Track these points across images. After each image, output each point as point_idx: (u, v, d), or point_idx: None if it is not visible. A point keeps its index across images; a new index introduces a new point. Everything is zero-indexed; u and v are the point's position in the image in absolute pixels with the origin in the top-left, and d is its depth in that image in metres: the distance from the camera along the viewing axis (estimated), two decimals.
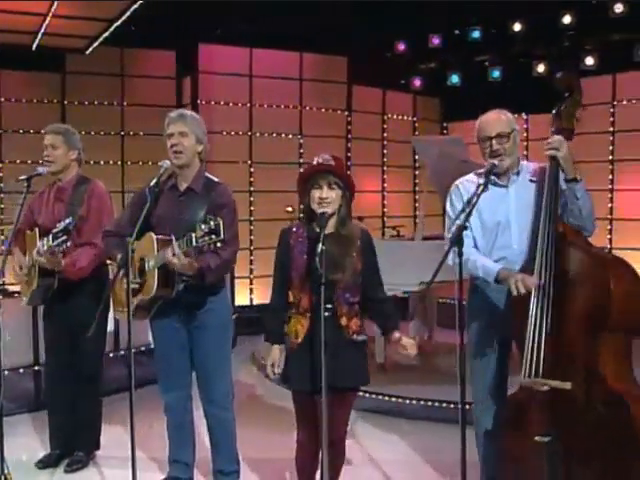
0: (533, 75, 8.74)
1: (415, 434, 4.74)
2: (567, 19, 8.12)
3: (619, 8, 7.68)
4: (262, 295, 8.77)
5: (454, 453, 4.20)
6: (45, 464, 4.11)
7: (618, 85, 8.20)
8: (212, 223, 3.03)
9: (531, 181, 3.26)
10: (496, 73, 9.22)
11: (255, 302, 8.73)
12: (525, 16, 8.33)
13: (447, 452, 4.30)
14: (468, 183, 3.34)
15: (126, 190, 7.98)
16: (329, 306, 2.97)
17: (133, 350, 6.09)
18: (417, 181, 10.39)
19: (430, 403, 5.01)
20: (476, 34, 8.92)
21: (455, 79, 9.56)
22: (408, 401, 5.08)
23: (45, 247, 3.67)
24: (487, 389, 3.27)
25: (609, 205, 8.46)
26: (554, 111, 3.22)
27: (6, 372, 3.71)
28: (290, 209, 8.50)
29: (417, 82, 9.91)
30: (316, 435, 3.11)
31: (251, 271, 8.72)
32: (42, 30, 6.60)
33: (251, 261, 8.67)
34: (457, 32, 9.07)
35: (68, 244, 3.39)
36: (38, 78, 7.94)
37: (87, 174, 4.18)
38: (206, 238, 3.04)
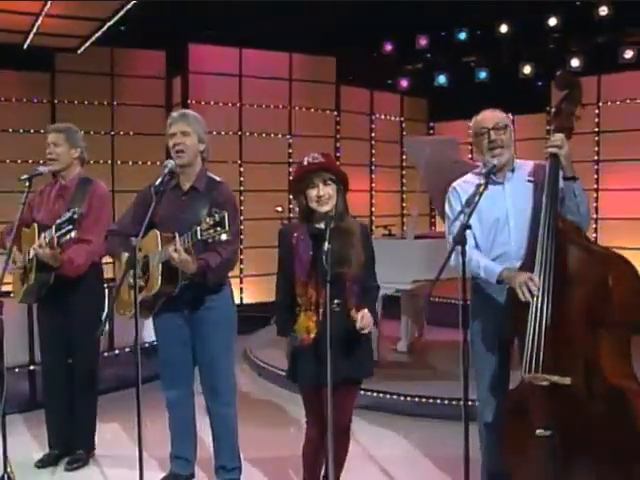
0: (519, 76, 8.86)
1: (410, 430, 4.79)
2: (553, 21, 8.25)
3: (604, 10, 7.82)
4: (252, 294, 8.81)
5: (451, 448, 4.27)
6: (45, 463, 4.12)
7: (603, 86, 8.34)
8: (217, 216, 3.05)
9: (529, 181, 3.32)
10: (483, 74, 9.33)
11: (245, 301, 8.75)
12: (511, 18, 8.44)
13: (444, 447, 4.39)
14: (465, 184, 3.39)
15: (116, 190, 7.95)
16: (338, 301, 3.02)
17: (127, 349, 6.18)
18: (404, 181, 10.48)
19: (424, 400, 5.08)
20: (463, 35, 9.03)
21: (442, 80, 9.65)
22: (403, 398, 5.14)
23: (48, 239, 3.64)
24: (489, 386, 3.32)
25: (594, 205, 8.59)
26: (554, 109, 3.29)
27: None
28: (280, 209, 8.55)
29: (404, 83, 10.01)
30: (325, 430, 3.16)
31: (241, 270, 8.75)
32: (34, 29, 6.58)
33: (241, 260, 8.69)
34: (443, 34, 9.17)
35: (73, 234, 3.37)
36: (28, 77, 7.93)
37: None
38: (211, 231, 3.06)
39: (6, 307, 4.30)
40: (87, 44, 7.25)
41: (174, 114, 3.64)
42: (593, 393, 2.89)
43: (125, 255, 3.59)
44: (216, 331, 3.61)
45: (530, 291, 2.98)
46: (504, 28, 8.59)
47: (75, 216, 3.26)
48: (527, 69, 8.83)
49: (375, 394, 5.11)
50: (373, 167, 10.00)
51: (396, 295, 6.38)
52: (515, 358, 3.27)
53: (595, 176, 8.73)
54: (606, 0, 7.70)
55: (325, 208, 3.09)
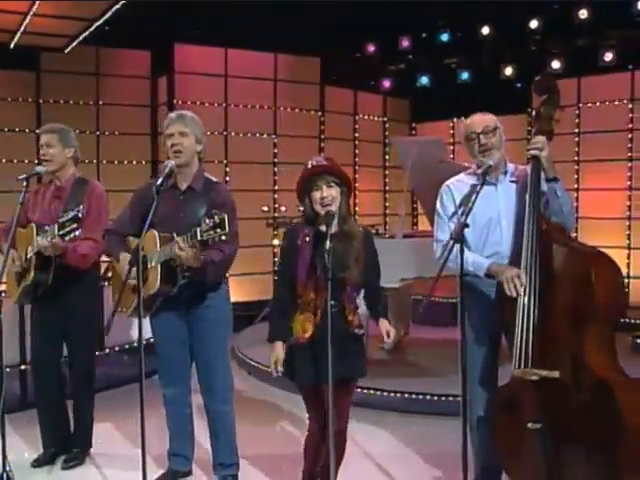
0: (501, 78, 8.98)
1: (399, 426, 4.87)
2: (534, 24, 8.37)
3: (584, 14, 7.96)
4: (237, 293, 8.80)
5: (442, 444, 4.40)
6: (41, 462, 4.13)
7: (583, 88, 8.50)
8: (217, 217, 3.09)
9: (512, 182, 3.43)
10: (464, 75, 9.42)
11: (231, 300, 8.75)
12: (493, 20, 8.55)
13: (435, 443, 4.49)
14: (459, 183, 3.49)
15: None
16: (334, 302, 3.08)
17: (117, 348, 6.18)
18: (387, 180, 10.57)
19: (414, 396, 5.17)
20: (445, 37, 9.13)
21: (424, 81, 9.73)
22: (392, 394, 5.22)
23: (50, 237, 3.62)
24: (480, 380, 3.40)
25: (575, 204, 8.74)
26: (534, 113, 3.41)
27: None
28: (266, 208, 8.61)
29: (387, 83, 10.09)
30: (323, 426, 3.24)
31: None
32: (22, 29, 6.55)
33: None
34: (424, 35, 9.27)
35: (77, 232, 3.36)
36: (13, 76, 7.86)
37: None
38: (211, 232, 3.10)
39: None
40: (74, 44, 7.23)
41: (172, 115, 3.68)
42: (580, 386, 2.99)
43: (123, 255, 3.63)
44: (214, 329, 3.67)
45: (516, 288, 3.07)
46: (486, 30, 8.69)
47: (80, 215, 3.27)
48: (508, 71, 8.94)
49: (365, 391, 5.18)
50: (357, 167, 10.07)
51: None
52: (503, 353, 3.38)
53: (575, 176, 8.88)
54: (586, 3, 7.84)
55: (329, 210, 3.16)
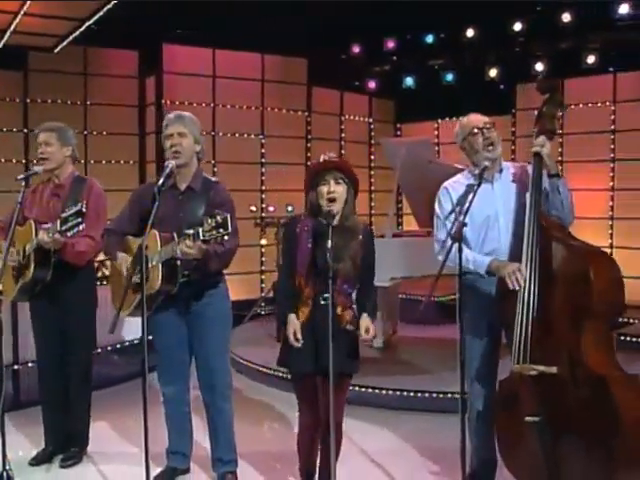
0: (485, 79, 9.10)
1: (396, 424, 4.91)
2: (518, 26, 8.48)
3: (567, 17, 8.09)
4: None
5: (439, 440, 4.47)
6: (39, 461, 4.14)
7: (566, 90, 8.59)
8: (220, 217, 3.11)
9: (513, 181, 3.50)
10: (449, 77, 9.53)
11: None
12: (478, 22, 8.66)
13: (429, 439, 4.55)
14: (456, 184, 3.56)
15: None
16: (327, 295, 3.13)
17: (109, 348, 6.19)
18: (372, 180, 10.65)
19: (406, 393, 5.23)
20: (430, 39, 9.23)
21: (409, 82, 9.83)
22: (384, 392, 5.28)
23: (52, 232, 3.60)
24: (477, 376, 3.48)
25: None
26: (536, 113, 3.47)
27: None
28: (254, 208, 8.65)
29: (372, 84, 10.17)
30: (317, 418, 3.30)
31: None
32: (11, 28, 6.53)
33: None
34: (409, 36, 9.35)
35: (81, 227, 3.35)
36: (0, 76, 7.83)
37: None
38: (214, 232, 3.11)
39: None
40: (64, 43, 7.21)
41: (170, 116, 3.71)
42: (578, 381, 3.06)
43: (121, 254, 3.66)
44: (213, 327, 3.70)
45: (518, 280, 3.14)
46: (470, 32, 8.80)
47: (83, 209, 3.27)
48: (493, 72, 9.06)
49: (357, 388, 5.22)
50: None
51: None
52: (502, 349, 3.46)
53: None
54: (569, 7, 7.97)
55: (333, 207, 3.23)
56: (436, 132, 10.37)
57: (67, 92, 8.18)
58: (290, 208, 8.10)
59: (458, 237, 3.02)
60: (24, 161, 7.94)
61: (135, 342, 6.35)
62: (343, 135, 10.16)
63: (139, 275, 3.32)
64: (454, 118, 9.78)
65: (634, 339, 6.65)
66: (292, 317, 3.26)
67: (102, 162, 8.37)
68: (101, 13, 6.26)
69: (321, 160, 3.31)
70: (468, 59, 9.25)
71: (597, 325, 3.14)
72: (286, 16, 7.77)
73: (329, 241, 3.06)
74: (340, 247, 3.19)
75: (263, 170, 9.11)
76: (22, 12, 6.04)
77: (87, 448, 4.28)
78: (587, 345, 3.10)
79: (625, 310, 3.26)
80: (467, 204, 3.16)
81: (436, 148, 10.02)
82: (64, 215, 3.39)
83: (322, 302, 3.19)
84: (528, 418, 3.14)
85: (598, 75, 8.67)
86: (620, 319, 3.58)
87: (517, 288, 3.16)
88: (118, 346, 6.10)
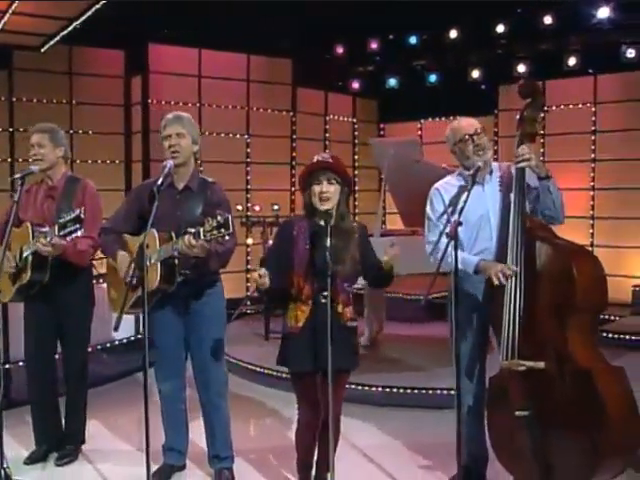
0: (468, 80, 9.21)
1: (385, 420, 4.98)
2: (500, 28, 8.60)
3: (548, 19, 8.23)
4: None
5: (429, 435, 4.55)
6: (34, 460, 4.15)
7: (548, 91, 8.74)
8: (221, 218, 3.15)
9: (500, 183, 3.60)
10: (433, 77, 9.63)
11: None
12: (460, 24, 8.77)
13: (422, 435, 4.63)
14: (448, 185, 3.66)
15: None
16: (326, 293, 3.20)
17: (99, 347, 6.20)
18: (357, 180, 10.72)
19: (396, 390, 5.32)
20: (413, 39, 9.33)
21: (393, 82, 9.93)
22: (375, 389, 5.36)
23: (50, 238, 3.63)
24: (469, 372, 3.57)
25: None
26: (518, 117, 3.56)
27: None
28: (240, 208, 8.68)
29: (355, 84, 10.25)
30: (316, 415, 3.36)
31: None
32: None
33: None
34: (392, 37, 9.43)
35: (79, 233, 3.36)
36: None
37: None
38: (215, 232, 3.16)
39: None
40: (51, 43, 7.19)
41: (169, 116, 3.77)
42: (564, 375, 3.17)
43: (121, 253, 3.69)
44: (211, 325, 3.76)
45: (505, 276, 3.25)
46: (453, 33, 8.89)
47: (82, 215, 3.30)
48: (475, 73, 9.18)
49: (347, 385, 5.28)
50: None
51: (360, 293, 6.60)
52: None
53: None
54: (550, 9, 8.11)
55: (326, 206, 3.28)
56: (419, 132, 10.46)
57: (53, 91, 8.17)
58: (276, 207, 8.15)
59: (453, 235, 3.09)
60: (9, 160, 7.92)
61: (124, 341, 6.39)
62: (327, 135, 10.22)
63: (134, 274, 3.37)
64: (437, 118, 9.92)
65: (615, 335, 6.79)
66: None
67: (88, 161, 8.35)
68: (90, 12, 6.25)
69: (315, 160, 3.36)
70: (451, 60, 9.36)
71: (582, 320, 3.25)
72: (271, 17, 7.82)
73: (327, 239, 3.12)
74: (340, 248, 3.24)
75: (248, 169, 9.16)
76: (10, 11, 6.02)
77: (82, 446, 4.31)
78: (572, 340, 3.21)
79: (606, 307, 3.38)
80: (462, 204, 3.24)
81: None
82: (62, 220, 3.39)
83: (322, 300, 3.24)
84: (518, 412, 3.25)
85: (579, 77, 8.80)
86: (601, 316, 3.68)
87: (503, 282, 3.25)
88: (108, 345, 6.12)
